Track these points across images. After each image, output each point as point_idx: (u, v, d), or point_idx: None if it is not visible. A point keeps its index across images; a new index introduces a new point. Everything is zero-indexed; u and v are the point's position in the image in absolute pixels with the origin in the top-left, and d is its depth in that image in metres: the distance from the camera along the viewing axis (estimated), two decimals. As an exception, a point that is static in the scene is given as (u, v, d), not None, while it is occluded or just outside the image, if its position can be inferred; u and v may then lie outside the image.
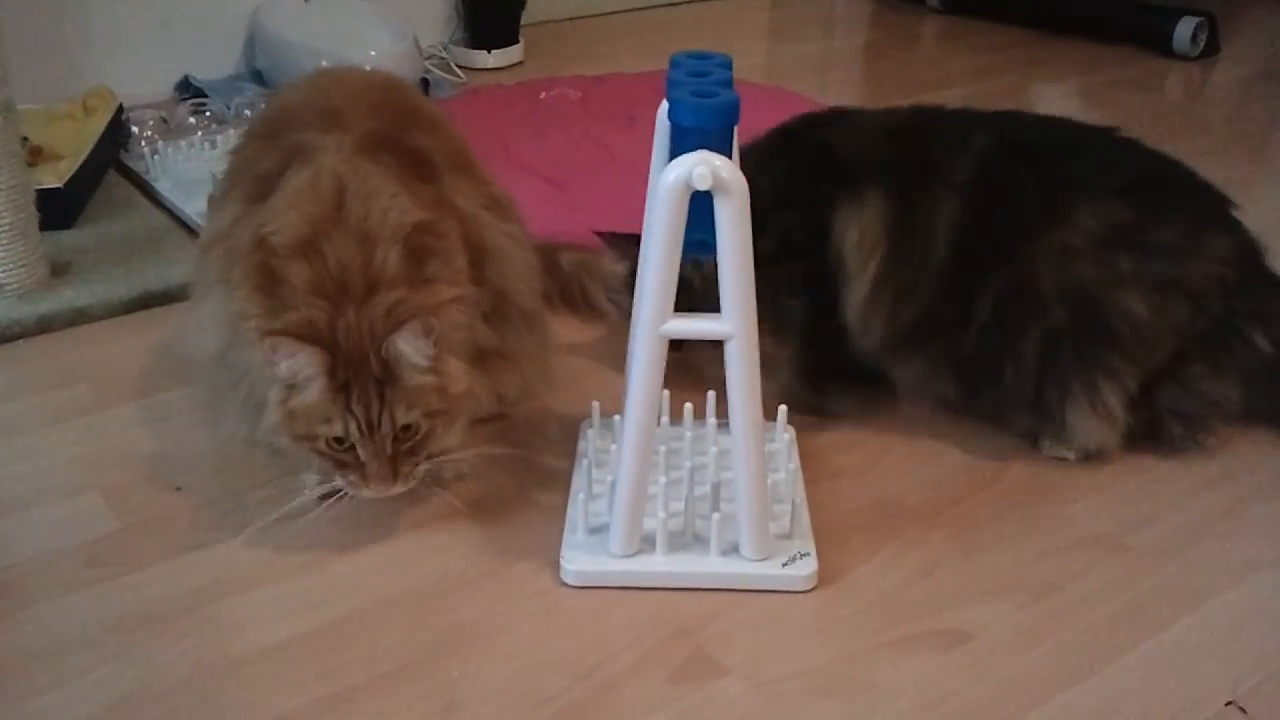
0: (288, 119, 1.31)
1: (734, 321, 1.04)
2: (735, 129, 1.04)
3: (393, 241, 1.13)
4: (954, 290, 1.27)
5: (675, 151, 1.01)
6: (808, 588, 1.13)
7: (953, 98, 2.58)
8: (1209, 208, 1.32)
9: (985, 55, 2.91)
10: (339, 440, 1.10)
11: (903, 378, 1.35)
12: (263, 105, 2.11)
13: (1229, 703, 1.01)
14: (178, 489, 1.26)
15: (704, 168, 0.97)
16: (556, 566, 1.14)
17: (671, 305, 1.04)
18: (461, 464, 1.24)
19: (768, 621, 1.09)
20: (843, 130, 1.38)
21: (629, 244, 1.40)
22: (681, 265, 1.03)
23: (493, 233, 1.30)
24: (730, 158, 1.00)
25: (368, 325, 1.08)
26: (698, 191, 0.99)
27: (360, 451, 1.10)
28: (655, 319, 1.04)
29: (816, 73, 2.82)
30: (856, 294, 1.30)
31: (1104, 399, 1.26)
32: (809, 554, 1.14)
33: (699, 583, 1.13)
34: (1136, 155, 1.34)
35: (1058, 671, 1.04)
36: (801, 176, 1.34)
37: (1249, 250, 1.31)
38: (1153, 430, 1.30)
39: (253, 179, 1.25)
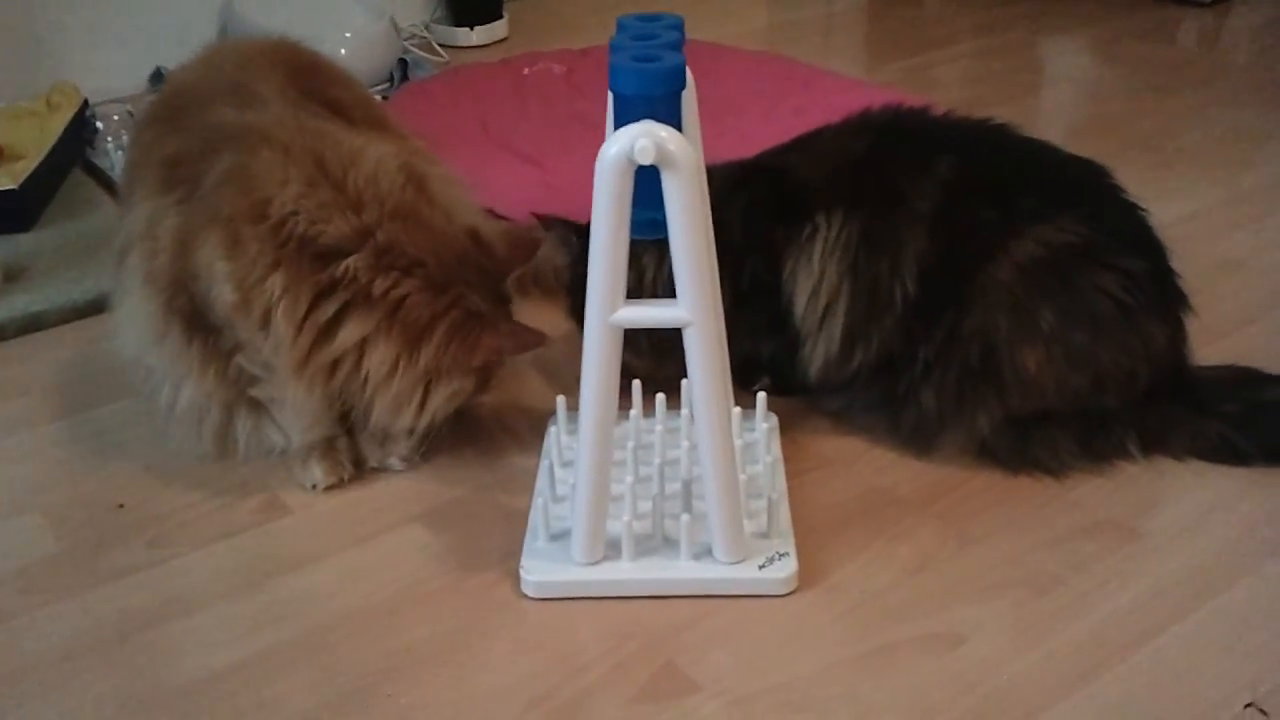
0: (188, 99, 1.24)
1: (691, 307, 0.95)
2: (684, 95, 0.94)
3: (419, 196, 1.14)
4: (913, 328, 1.17)
5: (619, 123, 0.92)
6: (787, 591, 1.04)
7: (959, 54, 2.49)
8: (1162, 281, 1.18)
9: (991, 10, 2.79)
10: None
11: (835, 405, 1.27)
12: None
13: (1249, 704, 0.92)
14: (120, 506, 1.19)
15: (646, 140, 0.88)
16: (517, 577, 1.06)
17: (622, 293, 0.95)
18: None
19: (743, 630, 1.01)
20: (801, 158, 1.27)
21: (569, 231, 1.30)
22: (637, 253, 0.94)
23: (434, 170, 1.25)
24: (678, 128, 0.91)
25: (492, 271, 1.17)
26: (644, 167, 0.90)
27: None
28: (605, 308, 0.95)
29: (818, 36, 2.71)
30: (818, 350, 1.21)
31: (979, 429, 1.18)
32: (788, 554, 1.06)
33: (669, 590, 1.04)
34: (1103, 203, 1.20)
35: (1060, 675, 0.95)
36: (758, 214, 1.23)
37: (1176, 349, 1.20)
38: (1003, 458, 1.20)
39: (159, 165, 1.17)
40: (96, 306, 1.56)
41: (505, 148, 1.98)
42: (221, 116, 1.18)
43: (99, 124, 2.05)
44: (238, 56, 1.31)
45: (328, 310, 1.08)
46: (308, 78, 1.30)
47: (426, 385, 1.12)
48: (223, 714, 0.94)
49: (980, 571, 1.06)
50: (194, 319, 1.13)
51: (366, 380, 1.10)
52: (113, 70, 2.30)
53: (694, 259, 0.93)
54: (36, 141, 1.89)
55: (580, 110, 2.15)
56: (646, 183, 0.93)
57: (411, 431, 1.17)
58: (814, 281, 1.19)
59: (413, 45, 2.52)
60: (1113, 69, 2.43)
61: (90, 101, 2.09)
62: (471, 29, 2.61)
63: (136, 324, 1.16)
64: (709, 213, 0.94)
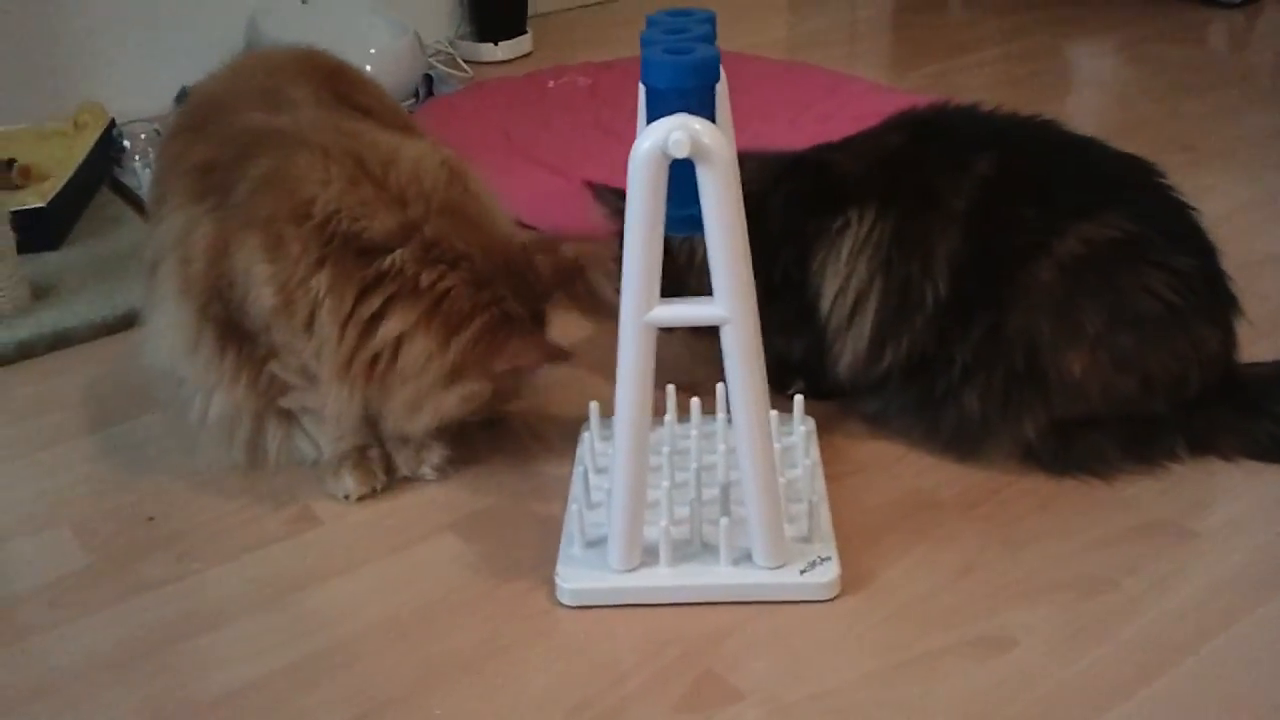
0: (216, 107, 1.23)
1: (728, 304, 0.93)
2: (718, 89, 0.93)
3: (464, 193, 1.13)
4: (947, 329, 1.15)
5: (651, 118, 0.90)
6: (830, 596, 1.02)
7: (985, 59, 2.47)
8: (1213, 282, 1.15)
9: (1016, 15, 2.77)
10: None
11: (871, 409, 1.24)
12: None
13: (1315, 708, 0.89)
14: (150, 519, 1.18)
15: (681, 133, 0.86)
16: (552, 585, 1.04)
17: (657, 290, 0.93)
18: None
19: (786, 637, 0.98)
20: (844, 153, 1.25)
21: (619, 199, 1.28)
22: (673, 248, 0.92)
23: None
24: (713, 120, 0.89)
25: (535, 286, 1.15)
26: (679, 161, 0.88)
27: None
28: (640, 307, 0.93)
29: (842, 44, 2.70)
30: (847, 348, 1.19)
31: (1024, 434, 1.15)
32: (830, 558, 1.03)
33: (708, 596, 1.02)
34: (1151, 200, 1.16)
35: (1114, 679, 0.92)
36: (797, 205, 1.22)
37: (1228, 352, 1.17)
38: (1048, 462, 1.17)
39: (189, 174, 1.16)
40: (125, 323, 1.55)
41: (529, 158, 1.97)
42: (253, 121, 1.17)
43: (126, 143, 2.05)
44: (266, 65, 1.31)
45: (373, 305, 1.07)
46: (337, 84, 1.30)
47: (447, 383, 1.09)
48: (255, 727, 0.92)
49: (1028, 574, 1.04)
50: (228, 327, 1.12)
51: (399, 376, 1.08)
52: (139, 91, 2.30)
53: (731, 255, 0.91)
54: (63, 161, 1.89)
55: (604, 121, 2.14)
56: (680, 178, 0.91)
57: (422, 434, 1.15)
58: (842, 278, 1.16)
59: (437, 61, 2.51)
60: (1140, 71, 2.40)
61: (117, 121, 2.09)
62: (496, 44, 2.60)
63: (169, 335, 1.15)
64: (743, 207, 0.92)
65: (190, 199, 1.14)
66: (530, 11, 2.68)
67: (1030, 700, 0.91)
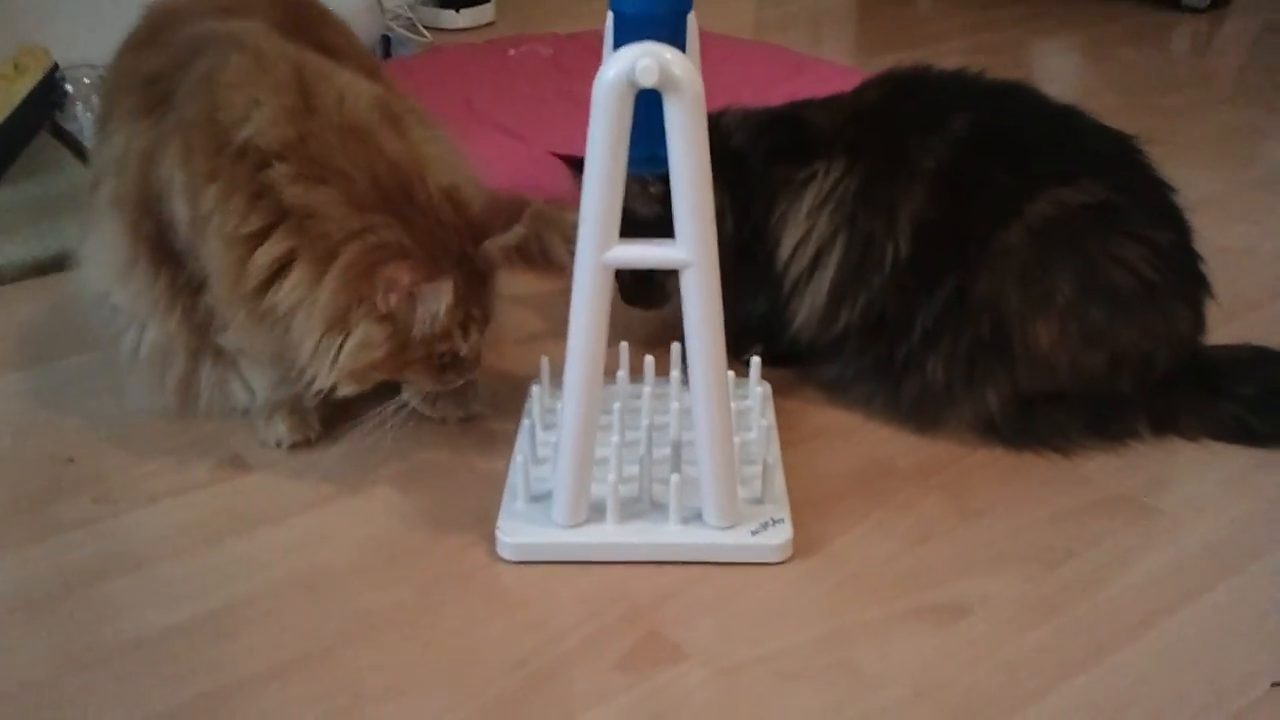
0: (171, 19, 1.16)
1: (690, 246, 0.88)
2: (689, 18, 0.88)
3: (384, 125, 1.03)
4: (907, 291, 1.11)
5: (618, 45, 0.85)
6: (781, 559, 0.98)
7: (949, 51, 2.44)
8: (1188, 260, 1.12)
9: (984, 10, 2.75)
10: (452, 351, 1.04)
11: (829, 375, 1.20)
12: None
13: (1276, 684, 0.86)
14: (70, 460, 1.11)
15: (649, 59, 0.82)
16: (493, 540, 0.99)
17: (616, 229, 0.89)
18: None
19: (734, 599, 0.94)
20: (820, 109, 1.21)
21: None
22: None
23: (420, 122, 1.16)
24: (684, 51, 0.85)
25: (456, 226, 1.02)
26: (645, 94, 0.84)
27: (464, 348, 1.05)
28: (597, 246, 0.89)
29: (808, 28, 2.67)
30: (804, 304, 1.15)
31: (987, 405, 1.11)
32: (783, 520, 0.99)
33: (656, 555, 0.98)
34: (1131, 172, 1.13)
35: (1073, 650, 0.89)
36: (772, 160, 1.18)
37: (1196, 334, 1.14)
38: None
39: (136, 89, 1.09)
40: (57, 264, 1.49)
41: (489, 122, 1.92)
42: (203, 27, 1.10)
43: (69, 88, 1.97)
44: None
45: (252, 223, 0.97)
46: (304, 17, 1.22)
47: (331, 322, 0.98)
48: (166, 674, 0.86)
49: (986, 544, 1.00)
50: (160, 249, 1.05)
51: (285, 305, 0.98)
52: (84, 39, 2.21)
53: (695, 195, 0.87)
54: (1, 103, 1.81)
55: (566, 89, 2.09)
56: (644, 113, 0.86)
57: (332, 391, 1.02)
58: (803, 230, 1.13)
59: (397, 25, 2.45)
60: (1105, 69, 2.40)
61: (60, 66, 2.01)
62: (458, 10, 2.55)
63: (102, 254, 1.07)
64: (708, 146, 0.88)
65: (136, 114, 1.07)
66: (495, -17, 2.63)
67: (988, 668, 0.87)
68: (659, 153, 0.88)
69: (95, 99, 1.91)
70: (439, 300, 0.97)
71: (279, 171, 0.97)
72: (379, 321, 0.99)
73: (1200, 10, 2.69)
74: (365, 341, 0.99)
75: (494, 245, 1.04)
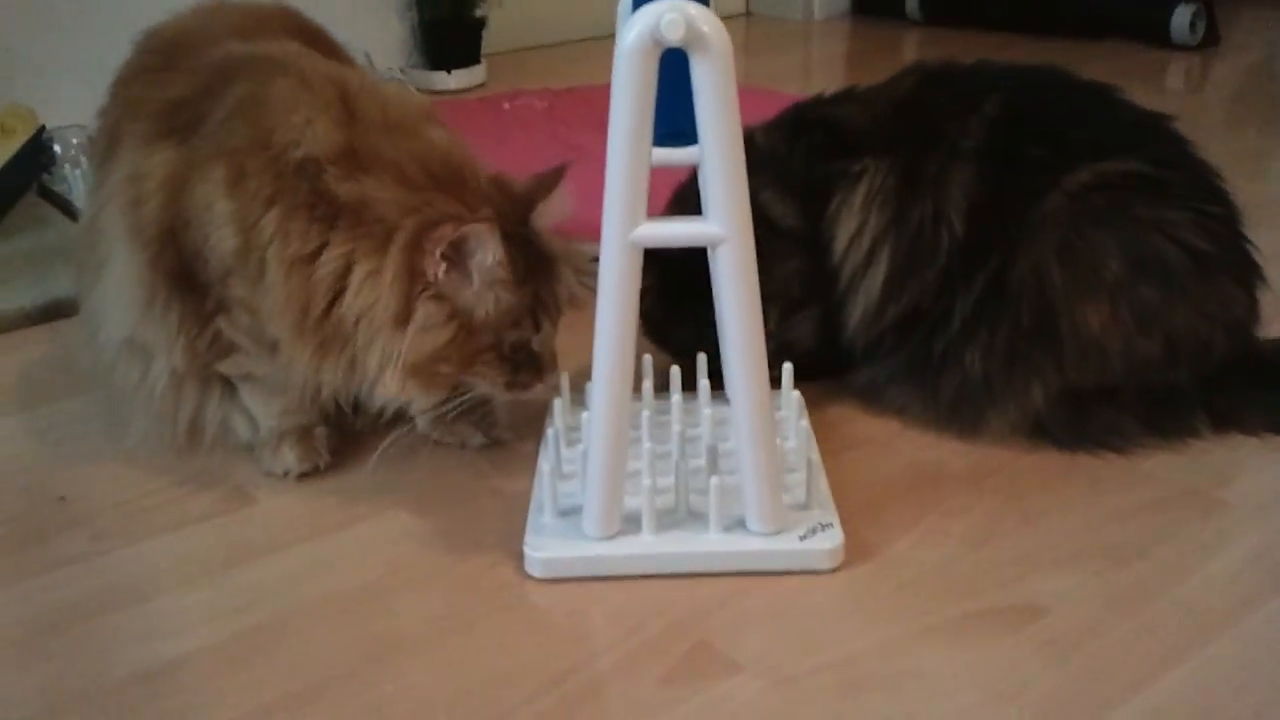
0: (186, 45, 1.10)
1: (723, 222, 0.83)
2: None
3: (430, 123, 1.02)
4: (952, 278, 1.06)
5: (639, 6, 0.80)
6: (833, 565, 0.90)
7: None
8: (1240, 237, 1.07)
9: (976, 54, 2.74)
10: (521, 342, 0.97)
11: (862, 380, 1.14)
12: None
13: (1385, 673, 0.79)
14: (62, 499, 1.04)
15: (675, 14, 0.77)
16: (520, 558, 0.91)
17: (644, 207, 0.83)
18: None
19: (785, 607, 0.87)
20: (850, 106, 1.17)
21: None
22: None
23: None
24: (708, 5, 0.80)
25: (509, 204, 0.98)
26: (668, 65, 0.79)
27: (537, 343, 0.99)
28: (625, 224, 0.83)
29: (797, 80, 2.65)
30: (858, 300, 1.10)
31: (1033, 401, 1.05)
32: (832, 525, 0.92)
33: (697, 565, 0.90)
34: (1173, 148, 1.09)
35: (1160, 647, 0.81)
36: (818, 157, 1.13)
37: (1252, 320, 1.08)
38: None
39: (156, 112, 1.03)
40: (47, 313, 1.45)
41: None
42: (233, 49, 1.05)
43: (57, 148, 1.93)
44: (237, 13, 1.17)
45: (311, 240, 0.93)
46: (317, 44, 1.16)
47: (398, 317, 0.93)
48: (170, 709, 0.78)
49: (1051, 545, 0.93)
50: (178, 281, 0.99)
51: (354, 316, 0.93)
52: (70, 101, 2.18)
53: (727, 165, 0.81)
54: (-12, 165, 1.77)
55: (563, 136, 2.05)
56: (668, 86, 0.81)
57: (404, 402, 0.98)
58: (856, 222, 1.07)
59: (388, 85, 2.43)
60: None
61: (48, 127, 1.97)
62: (449, 72, 2.53)
63: (121, 296, 1.01)
64: (738, 110, 0.82)
65: (151, 139, 1.01)
66: (484, 50, 2.62)
67: (1073, 667, 0.80)
68: (685, 127, 0.82)
69: (84, 160, 1.87)
70: (483, 247, 0.92)
71: (331, 175, 0.94)
72: (436, 299, 0.93)
73: (1192, 48, 2.69)
74: (426, 323, 0.93)
75: (541, 216, 1.00)
